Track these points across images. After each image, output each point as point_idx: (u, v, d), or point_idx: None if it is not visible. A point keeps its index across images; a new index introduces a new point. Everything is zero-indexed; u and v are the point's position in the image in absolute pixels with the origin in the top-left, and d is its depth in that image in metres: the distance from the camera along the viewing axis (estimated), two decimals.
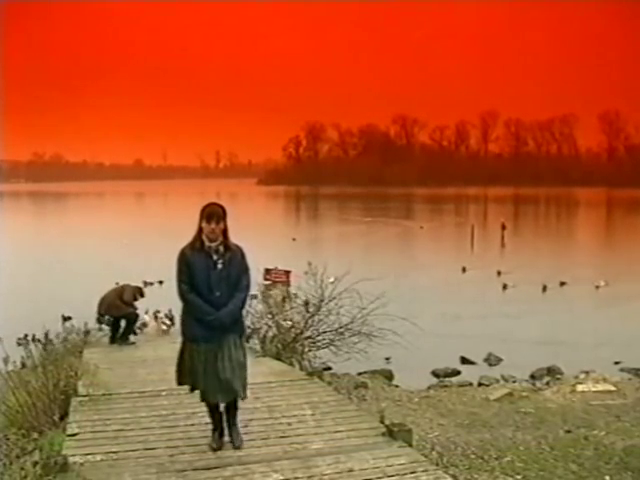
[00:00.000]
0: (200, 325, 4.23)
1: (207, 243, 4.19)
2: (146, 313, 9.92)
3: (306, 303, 8.75)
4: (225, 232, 4.23)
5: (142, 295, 9.00)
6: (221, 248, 4.21)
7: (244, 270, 4.31)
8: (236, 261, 4.25)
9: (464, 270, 20.17)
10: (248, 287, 4.35)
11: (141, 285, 9.87)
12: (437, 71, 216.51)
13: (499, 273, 19.40)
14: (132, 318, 8.76)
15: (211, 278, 4.19)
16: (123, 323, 8.75)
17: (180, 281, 4.23)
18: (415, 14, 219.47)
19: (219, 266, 4.19)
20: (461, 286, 17.87)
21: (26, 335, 10.27)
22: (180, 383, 4.57)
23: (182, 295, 4.25)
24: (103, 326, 9.37)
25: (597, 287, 17.51)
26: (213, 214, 4.15)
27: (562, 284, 17.73)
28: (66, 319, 11.39)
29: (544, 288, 17.23)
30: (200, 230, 4.21)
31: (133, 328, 8.87)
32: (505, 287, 17.58)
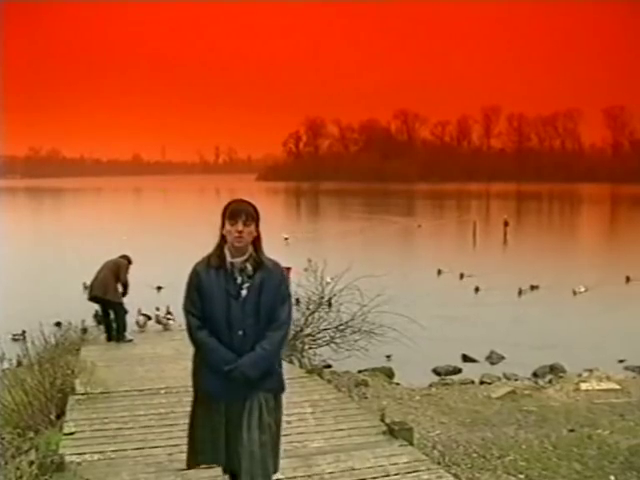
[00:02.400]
0: (217, 375, 2.96)
1: (229, 258, 2.95)
2: (140, 314, 9.71)
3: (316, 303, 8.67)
4: (257, 242, 3.00)
5: (130, 262, 8.76)
6: (249, 266, 2.96)
7: (282, 299, 3.00)
8: (271, 285, 2.96)
9: (439, 272, 18.78)
10: (287, 324, 3.03)
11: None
12: (439, 66, 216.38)
13: (461, 276, 17.90)
14: (120, 311, 8.45)
15: (231, 309, 2.93)
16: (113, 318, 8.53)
17: (187, 312, 3.00)
18: (416, 9, 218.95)
19: (243, 292, 2.94)
20: (440, 290, 16.85)
21: (24, 332, 10.15)
22: (189, 465, 3.22)
23: (190, 332, 3.02)
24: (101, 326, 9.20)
25: (575, 293, 16.03)
26: (240, 210, 2.94)
27: (533, 288, 16.35)
28: (58, 324, 10.83)
29: (520, 292, 16.06)
30: (222, 239, 2.98)
31: (125, 321, 8.54)
32: (477, 290, 16.39)
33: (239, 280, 2.97)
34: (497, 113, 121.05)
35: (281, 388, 3.13)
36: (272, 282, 2.98)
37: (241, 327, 2.95)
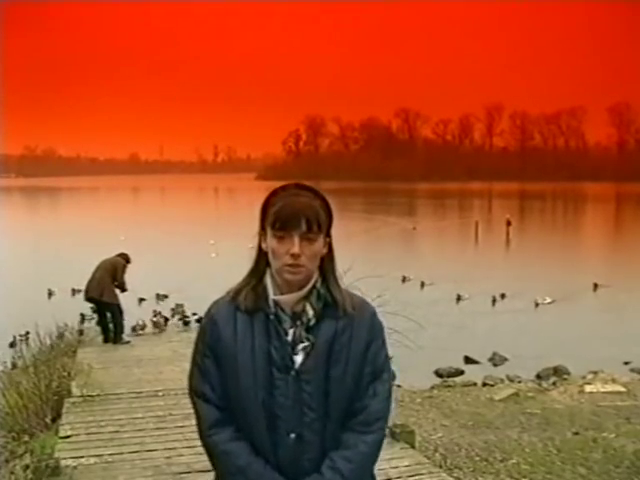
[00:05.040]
0: None
1: (274, 294, 1.60)
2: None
3: None
4: (326, 263, 1.62)
5: (128, 261, 8.63)
6: (309, 309, 1.59)
7: (375, 371, 1.62)
8: (354, 344, 1.60)
9: (404, 280, 16.72)
10: (384, 420, 1.63)
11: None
12: (440, 63, 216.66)
13: (422, 285, 16.11)
14: (117, 312, 8.36)
15: (277, 392, 1.57)
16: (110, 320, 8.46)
17: (197, 394, 1.64)
18: (418, 7, 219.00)
19: (298, 359, 1.57)
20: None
21: (27, 332, 10.01)
22: None
23: (201, 431, 1.66)
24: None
25: (537, 304, 14.34)
26: (297, 214, 1.54)
27: (502, 296, 14.84)
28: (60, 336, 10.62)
29: (494, 301, 14.61)
30: (260, 257, 1.63)
31: (121, 322, 8.47)
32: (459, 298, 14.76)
33: (290, 335, 1.55)
34: (500, 111, 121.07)
35: None
36: (356, 338, 1.57)
37: (294, 425, 1.56)
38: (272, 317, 1.58)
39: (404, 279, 17.04)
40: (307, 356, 1.57)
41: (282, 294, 1.58)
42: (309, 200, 1.57)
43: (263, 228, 1.60)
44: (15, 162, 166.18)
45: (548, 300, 14.51)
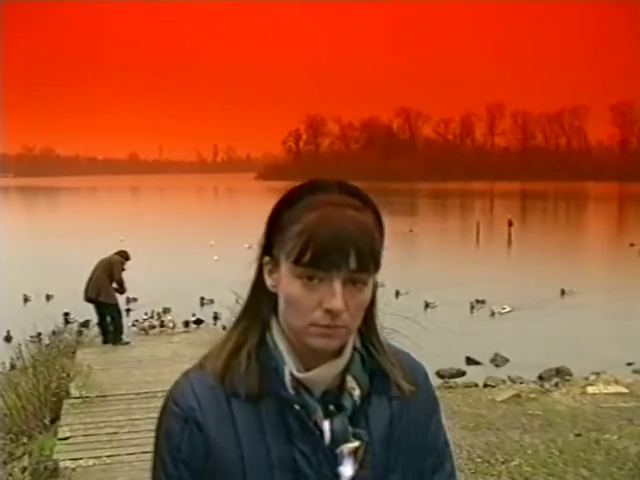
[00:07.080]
0: None
1: (297, 370, 0.88)
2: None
3: None
4: (369, 315, 0.92)
5: (128, 258, 8.62)
6: (354, 388, 0.90)
7: (438, 456, 0.99)
8: (415, 430, 0.95)
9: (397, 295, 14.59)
10: None
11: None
12: (441, 62, 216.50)
13: (397, 294, 14.57)
14: (115, 313, 8.37)
15: None
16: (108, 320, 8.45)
17: None
18: (419, 6, 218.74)
19: (346, 470, 0.88)
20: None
21: (39, 334, 9.76)
22: None
23: None
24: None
25: (493, 314, 13.49)
26: (343, 241, 0.82)
27: (480, 301, 14.05)
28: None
29: (471, 308, 13.87)
30: (261, 297, 0.91)
31: (120, 323, 8.50)
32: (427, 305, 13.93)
33: (327, 431, 0.88)
34: (501, 110, 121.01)
35: None
36: (415, 422, 0.97)
37: None
38: (297, 407, 0.88)
39: (397, 293, 15.42)
40: (360, 464, 0.90)
41: (304, 364, 0.89)
42: (359, 215, 0.87)
43: (270, 253, 0.90)
44: (13, 162, 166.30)
45: (507, 309, 13.75)
